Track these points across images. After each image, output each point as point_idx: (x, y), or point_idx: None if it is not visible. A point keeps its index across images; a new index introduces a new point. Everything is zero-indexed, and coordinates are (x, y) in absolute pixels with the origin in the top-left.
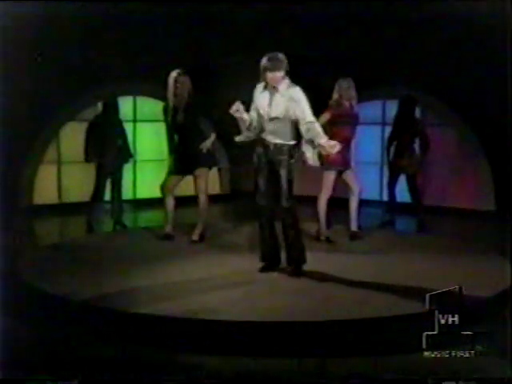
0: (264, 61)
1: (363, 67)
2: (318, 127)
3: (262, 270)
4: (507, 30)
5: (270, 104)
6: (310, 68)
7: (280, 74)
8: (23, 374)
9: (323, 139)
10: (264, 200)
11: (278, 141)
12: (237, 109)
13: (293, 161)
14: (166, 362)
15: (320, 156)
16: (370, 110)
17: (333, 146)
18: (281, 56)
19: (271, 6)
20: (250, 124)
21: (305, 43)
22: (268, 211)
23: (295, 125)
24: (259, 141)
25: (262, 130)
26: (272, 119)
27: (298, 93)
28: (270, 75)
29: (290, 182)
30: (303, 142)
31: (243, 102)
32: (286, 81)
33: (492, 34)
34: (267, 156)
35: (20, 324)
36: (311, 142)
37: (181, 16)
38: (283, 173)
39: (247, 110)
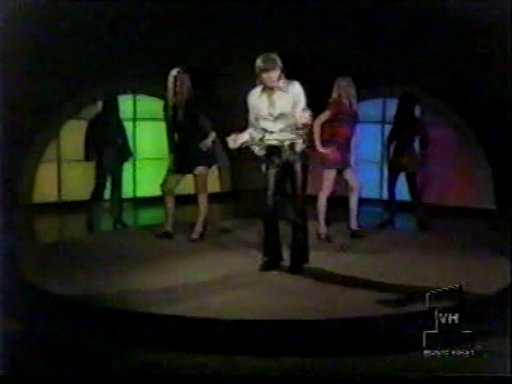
0: (258, 62)
1: (363, 66)
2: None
3: (264, 266)
4: (507, 30)
5: (273, 104)
6: (309, 67)
7: (275, 73)
8: (23, 373)
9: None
10: (272, 200)
11: (289, 138)
12: (233, 141)
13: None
14: (165, 361)
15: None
16: (370, 108)
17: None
18: (274, 56)
19: (271, 5)
20: (252, 136)
21: (305, 42)
22: (274, 211)
23: None
24: (268, 144)
25: (268, 132)
26: (277, 117)
27: (298, 88)
28: (264, 75)
29: (304, 182)
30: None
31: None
32: (283, 79)
33: (492, 34)
34: (281, 157)
35: (20, 324)
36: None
37: (181, 15)
38: (298, 173)
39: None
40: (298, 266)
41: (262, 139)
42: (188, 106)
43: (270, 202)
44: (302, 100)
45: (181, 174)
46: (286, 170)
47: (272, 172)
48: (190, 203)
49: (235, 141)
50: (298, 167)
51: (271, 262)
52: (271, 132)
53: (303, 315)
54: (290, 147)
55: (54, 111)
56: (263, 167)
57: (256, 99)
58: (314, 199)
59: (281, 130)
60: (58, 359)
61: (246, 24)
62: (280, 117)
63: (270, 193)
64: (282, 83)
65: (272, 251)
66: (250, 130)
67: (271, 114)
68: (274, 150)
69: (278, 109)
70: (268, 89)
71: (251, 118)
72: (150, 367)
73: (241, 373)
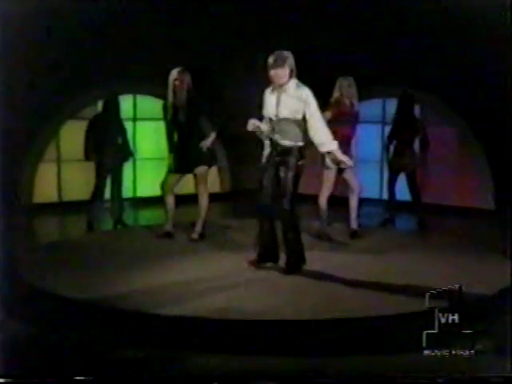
0: (269, 59)
1: (363, 66)
2: (328, 134)
3: (257, 264)
4: (507, 30)
5: (278, 104)
6: (310, 66)
7: (283, 71)
8: (23, 373)
9: (334, 146)
10: (267, 199)
11: (287, 141)
12: (254, 125)
13: (301, 162)
14: (165, 361)
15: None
16: (371, 108)
17: (346, 162)
18: (284, 53)
19: (272, 5)
20: (264, 128)
21: (305, 42)
22: (270, 211)
23: (304, 125)
24: (268, 141)
25: (271, 130)
26: (280, 120)
27: (307, 94)
28: (272, 72)
29: (295, 184)
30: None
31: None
32: (295, 81)
33: (492, 34)
34: (275, 156)
35: (20, 324)
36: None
37: (181, 15)
38: (290, 174)
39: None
40: (293, 267)
41: (267, 134)
42: (188, 106)
43: (264, 201)
44: (312, 108)
45: (181, 173)
46: (279, 171)
47: (267, 170)
48: (190, 203)
49: (254, 124)
50: (290, 168)
51: (265, 260)
52: (274, 131)
53: (303, 315)
54: (285, 150)
55: (53, 111)
56: (263, 159)
57: (267, 97)
58: (314, 199)
59: (279, 133)
60: (57, 360)
61: (248, 23)
62: (282, 120)
63: (264, 192)
64: (291, 84)
65: (267, 250)
66: (264, 123)
67: (276, 115)
68: (272, 148)
69: (281, 112)
70: (278, 87)
71: (263, 112)
72: (148, 367)
73: (240, 373)
